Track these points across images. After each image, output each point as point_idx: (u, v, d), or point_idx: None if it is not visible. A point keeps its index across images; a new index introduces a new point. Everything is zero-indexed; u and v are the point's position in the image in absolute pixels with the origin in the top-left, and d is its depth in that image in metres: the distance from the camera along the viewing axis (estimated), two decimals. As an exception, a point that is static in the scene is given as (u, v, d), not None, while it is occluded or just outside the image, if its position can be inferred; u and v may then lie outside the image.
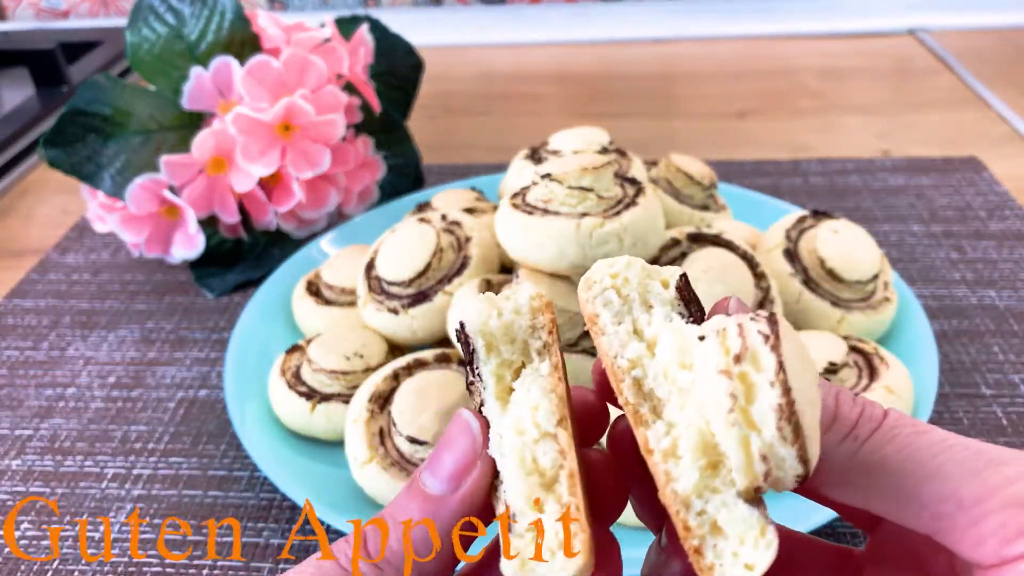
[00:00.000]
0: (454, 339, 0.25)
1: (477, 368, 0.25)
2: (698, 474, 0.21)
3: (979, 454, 0.22)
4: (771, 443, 0.20)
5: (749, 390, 0.20)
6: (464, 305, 0.25)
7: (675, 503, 0.21)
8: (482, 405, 0.25)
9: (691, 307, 0.24)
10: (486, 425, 0.24)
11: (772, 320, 0.21)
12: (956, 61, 1.05)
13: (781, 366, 0.20)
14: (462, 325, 0.24)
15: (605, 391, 0.26)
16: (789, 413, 0.20)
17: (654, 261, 0.53)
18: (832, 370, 0.48)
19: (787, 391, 0.20)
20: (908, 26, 1.17)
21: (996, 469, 0.21)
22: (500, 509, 0.23)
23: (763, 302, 0.51)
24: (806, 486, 0.22)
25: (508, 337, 0.24)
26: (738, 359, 0.21)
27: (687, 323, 0.23)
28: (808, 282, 0.54)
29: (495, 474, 0.24)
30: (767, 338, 0.21)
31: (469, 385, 0.25)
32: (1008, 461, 0.21)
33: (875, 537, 0.28)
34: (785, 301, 0.53)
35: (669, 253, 0.53)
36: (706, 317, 0.24)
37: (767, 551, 0.21)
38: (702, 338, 0.22)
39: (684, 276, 0.24)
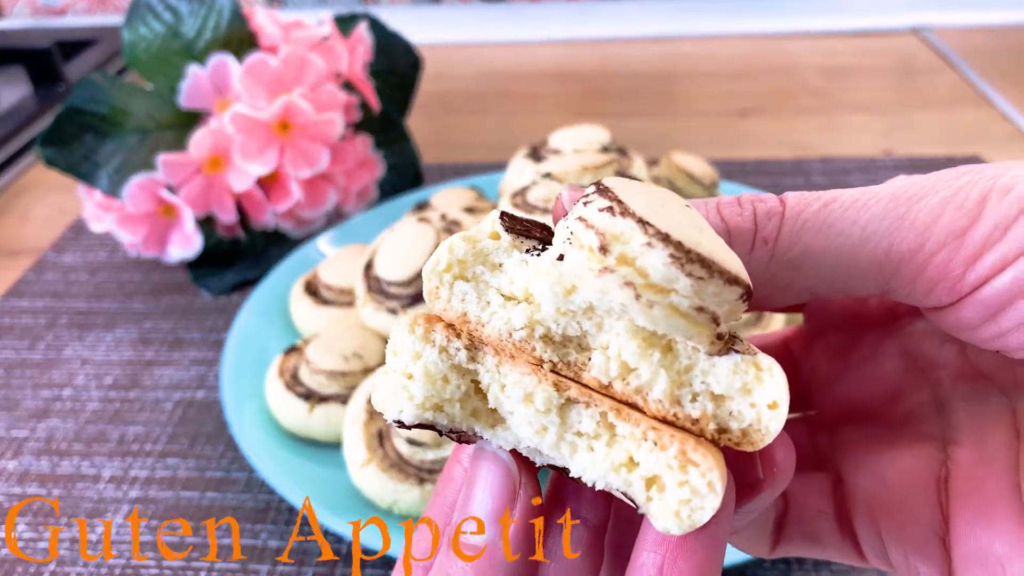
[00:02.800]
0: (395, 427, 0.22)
1: (452, 432, 0.21)
2: (662, 368, 0.20)
3: (895, 199, 0.20)
4: (694, 291, 0.18)
5: (634, 266, 0.18)
6: (377, 401, 0.22)
7: (666, 409, 0.20)
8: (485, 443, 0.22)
9: (533, 232, 0.22)
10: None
11: (602, 189, 0.20)
12: (959, 59, 1.05)
13: (642, 221, 0.18)
14: (399, 423, 0.21)
15: None
16: (685, 254, 0.18)
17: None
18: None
19: (666, 238, 0.18)
20: (911, 24, 1.16)
21: (917, 207, 0.20)
22: (626, 494, 0.20)
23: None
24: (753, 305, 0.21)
25: (437, 380, 0.21)
26: (604, 249, 0.19)
27: (538, 254, 0.21)
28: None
29: (562, 482, 0.21)
30: (611, 209, 0.19)
31: (461, 442, 0.22)
32: (924, 193, 0.20)
33: (808, 312, 0.27)
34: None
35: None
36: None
37: (774, 378, 0.19)
38: (561, 257, 0.20)
39: (503, 214, 0.22)
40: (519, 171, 0.59)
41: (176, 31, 0.67)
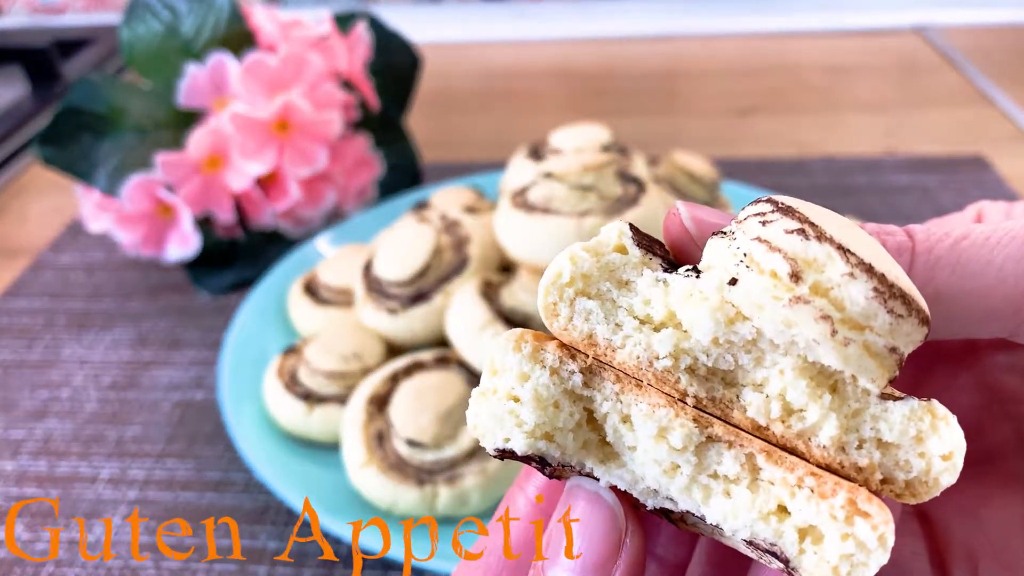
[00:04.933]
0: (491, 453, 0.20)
1: (558, 465, 0.19)
2: (832, 412, 0.18)
3: None
4: (891, 329, 0.17)
5: (828, 297, 0.17)
6: (476, 426, 0.19)
7: (831, 456, 0.18)
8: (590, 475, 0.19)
9: (656, 249, 0.20)
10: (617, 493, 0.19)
11: (784, 208, 0.18)
12: (962, 58, 1.04)
13: (842, 248, 0.17)
14: (504, 452, 0.19)
15: None
16: (888, 288, 0.16)
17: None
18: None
19: (869, 269, 0.16)
20: (913, 23, 1.16)
21: None
22: (762, 556, 0.18)
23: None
24: None
25: (548, 406, 0.19)
26: (796, 277, 0.17)
27: (685, 274, 0.19)
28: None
29: (675, 520, 0.19)
30: (803, 232, 0.17)
31: (553, 477, 0.20)
32: None
33: None
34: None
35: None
36: (668, 246, 0.20)
37: (951, 427, 0.17)
38: (733, 281, 0.18)
39: (629, 225, 0.20)
40: (519, 170, 0.59)
41: (174, 30, 0.67)
